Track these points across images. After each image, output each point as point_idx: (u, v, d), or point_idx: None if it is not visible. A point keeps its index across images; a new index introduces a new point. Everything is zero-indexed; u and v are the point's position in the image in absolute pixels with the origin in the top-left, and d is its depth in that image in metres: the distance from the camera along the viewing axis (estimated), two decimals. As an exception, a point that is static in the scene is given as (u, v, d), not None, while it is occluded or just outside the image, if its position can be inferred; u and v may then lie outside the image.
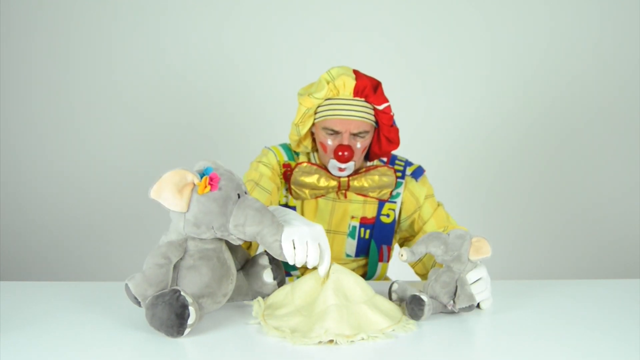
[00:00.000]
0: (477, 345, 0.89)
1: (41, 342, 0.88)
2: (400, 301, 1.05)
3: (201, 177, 0.91)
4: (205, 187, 0.89)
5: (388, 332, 0.91)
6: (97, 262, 2.61)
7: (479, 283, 1.02)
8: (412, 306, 0.97)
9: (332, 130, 1.24)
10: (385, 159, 1.39)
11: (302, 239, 0.91)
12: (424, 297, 0.97)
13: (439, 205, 1.37)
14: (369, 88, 1.22)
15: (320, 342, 0.86)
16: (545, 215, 2.65)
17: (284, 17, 2.54)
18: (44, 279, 2.42)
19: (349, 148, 1.22)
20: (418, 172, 1.36)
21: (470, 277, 1.02)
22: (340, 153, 1.22)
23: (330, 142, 1.26)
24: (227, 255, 0.98)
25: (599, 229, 2.64)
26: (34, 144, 2.61)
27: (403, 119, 2.28)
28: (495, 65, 2.58)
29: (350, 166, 1.27)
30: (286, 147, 1.39)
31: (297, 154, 1.38)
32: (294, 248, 0.91)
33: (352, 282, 0.96)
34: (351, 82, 1.21)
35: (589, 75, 2.58)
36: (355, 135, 1.24)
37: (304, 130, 1.29)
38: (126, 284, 0.89)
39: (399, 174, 1.36)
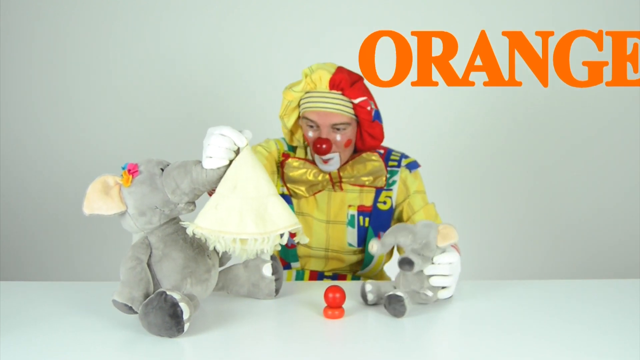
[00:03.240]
0: (476, 345, 0.89)
1: (41, 342, 0.88)
2: (378, 300, 1.06)
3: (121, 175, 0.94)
4: (128, 178, 0.93)
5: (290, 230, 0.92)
6: (97, 262, 2.62)
7: (444, 267, 1.02)
8: (394, 306, 0.99)
9: (311, 121, 1.27)
10: (382, 151, 1.41)
11: (207, 145, 0.91)
12: (399, 293, 0.99)
13: (430, 204, 1.40)
14: (345, 82, 1.24)
15: (233, 241, 0.89)
16: (545, 215, 2.65)
17: (284, 13, 2.54)
18: (44, 279, 2.42)
19: (327, 141, 1.25)
20: (412, 166, 1.40)
21: (441, 259, 1.02)
22: (318, 145, 1.25)
23: (310, 134, 1.30)
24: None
25: (599, 229, 2.64)
26: (33, 144, 2.61)
27: (397, 115, 2.28)
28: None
29: (334, 160, 1.29)
30: (285, 140, 1.43)
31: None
32: (211, 157, 0.90)
33: (261, 175, 0.94)
34: (327, 76, 1.24)
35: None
36: (334, 128, 1.27)
37: (290, 122, 1.33)
38: (112, 300, 0.91)
39: (395, 164, 1.39)
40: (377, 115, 1.30)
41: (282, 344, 0.88)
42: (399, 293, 0.99)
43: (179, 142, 2.59)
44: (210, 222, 0.89)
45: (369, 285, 1.06)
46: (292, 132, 1.38)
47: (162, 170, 0.95)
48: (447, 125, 2.61)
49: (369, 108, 1.26)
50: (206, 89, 2.59)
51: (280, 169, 1.38)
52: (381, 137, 1.32)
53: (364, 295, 1.06)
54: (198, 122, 2.60)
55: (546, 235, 2.65)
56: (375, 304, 1.07)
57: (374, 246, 1.02)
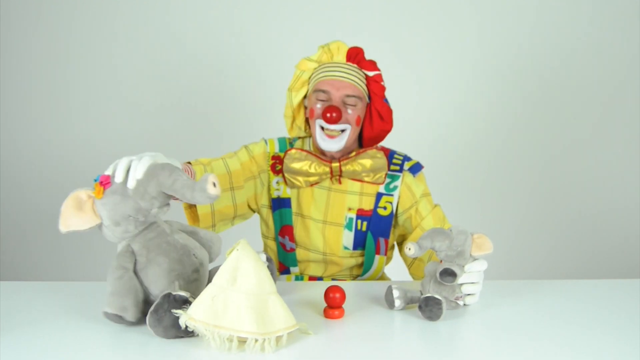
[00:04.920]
0: (475, 344, 0.89)
1: (41, 342, 0.88)
2: (406, 304, 1.04)
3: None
4: (99, 191, 0.91)
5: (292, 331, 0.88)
6: (96, 262, 2.61)
7: (474, 275, 1.01)
8: (431, 308, 0.97)
9: (323, 91, 1.25)
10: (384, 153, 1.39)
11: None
12: (438, 296, 0.97)
13: (436, 206, 1.38)
14: (361, 54, 1.26)
15: (229, 339, 0.83)
16: (544, 215, 2.65)
17: (290, 12, 2.54)
18: (44, 279, 2.42)
19: (337, 109, 1.21)
20: (416, 168, 1.37)
21: (473, 268, 1.01)
22: (328, 114, 1.20)
23: (319, 106, 1.26)
24: (178, 236, 0.99)
25: (599, 229, 2.64)
26: (34, 144, 2.61)
27: (396, 114, 2.26)
28: (492, 59, 2.57)
29: (343, 135, 1.25)
30: (282, 140, 1.41)
31: (292, 144, 1.39)
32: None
33: (262, 271, 0.89)
34: (345, 47, 1.26)
35: (587, 70, 2.57)
36: (345, 102, 1.25)
37: (297, 98, 1.30)
38: (103, 312, 0.90)
39: (397, 167, 1.36)
40: (386, 100, 1.30)
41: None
42: (437, 296, 0.97)
43: (179, 141, 2.59)
44: (205, 315, 0.84)
45: (396, 291, 1.03)
46: (293, 117, 1.35)
47: None
48: (447, 125, 2.61)
49: (382, 83, 1.27)
50: (207, 88, 2.59)
51: (270, 172, 1.37)
52: (390, 120, 1.30)
53: (390, 301, 1.03)
54: (198, 122, 2.60)
55: (546, 235, 2.65)
56: (401, 309, 1.04)
57: (411, 249, 0.99)
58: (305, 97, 1.33)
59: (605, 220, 2.64)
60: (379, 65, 1.30)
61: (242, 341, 0.84)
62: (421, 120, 2.59)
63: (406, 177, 1.36)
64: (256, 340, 0.83)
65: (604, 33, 2.54)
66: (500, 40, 2.55)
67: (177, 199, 0.96)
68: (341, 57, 1.26)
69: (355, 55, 1.26)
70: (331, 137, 1.26)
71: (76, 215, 0.91)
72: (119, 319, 0.90)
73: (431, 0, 2.53)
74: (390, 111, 1.30)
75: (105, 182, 0.92)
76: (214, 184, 0.86)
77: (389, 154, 1.39)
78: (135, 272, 0.94)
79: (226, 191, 1.30)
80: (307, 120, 1.38)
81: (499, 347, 0.87)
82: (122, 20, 2.54)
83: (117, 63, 2.57)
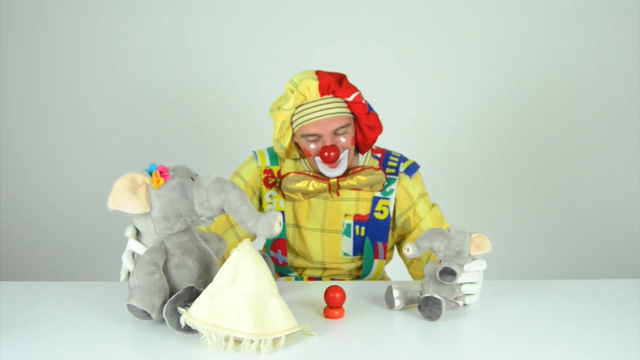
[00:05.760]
0: (475, 344, 0.89)
1: (41, 342, 0.88)
2: (406, 304, 1.04)
3: (150, 175, 0.91)
4: (159, 180, 0.90)
5: (293, 332, 0.88)
6: (97, 262, 2.61)
7: (474, 275, 1.01)
8: (431, 308, 0.97)
9: (312, 134, 1.24)
10: (379, 155, 1.38)
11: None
12: (437, 296, 0.97)
13: (434, 205, 1.38)
14: (333, 83, 1.22)
15: (226, 339, 0.84)
16: (544, 215, 2.65)
17: (282, 21, 2.54)
18: (44, 279, 2.42)
19: (333, 148, 1.22)
20: (412, 169, 1.36)
21: (472, 267, 1.01)
22: (326, 154, 1.22)
23: (312, 147, 1.25)
24: (203, 243, 1.00)
25: (599, 229, 2.64)
26: (34, 144, 2.61)
27: (397, 116, 2.27)
28: (493, 61, 2.57)
29: (342, 162, 1.26)
30: (272, 151, 1.39)
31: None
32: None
33: (263, 272, 0.89)
34: (314, 84, 1.21)
35: (588, 71, 2.57)
36: (336, 133, 1.24)
37: (286, 142, 1.29)
38: (129, 305, 0.88)
39: (393, 170, 1.35)
40: (369, 106, 1.28)
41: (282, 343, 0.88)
42: (436, 296, 0.97)
43: (180, 144, 2.59)
44: (204, 314, 0.84)
45: (396, 291, 1.03)
46: (287, 151, 1.34)
47: (192, 179, 0.94)
48: (449, 126, 2.61)
49: (363, 102, 1.24)
50: (205, 93, 2.58)
51: (263, 186, 1.36)
52: (379, 125, 1.29)
53: (390, 301, 1.04)
54: (196, 126, 2.60)
55: (547, 236, 2.65)
56: (401, 309, 1.05)
57: (410, 249, 0.99)
58: (293, 134, 1.31)
59: (605, 220, 2.64)
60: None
61: (239, 341, 0.85)
62: (422, 121, 2.59)
63: (402, 180, 1.35)
64: (252, 342, 0.83)
65: (605, 36, 2.54)
66: (502, 42, 2.55)
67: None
68: (314, 94, 1.22)
69: (327, 88, 1.22)
70: (334, 166, 1.26)
71: (130, 197, 0.89)
72: (145, 315, 0.89)
73: (433, 3, 2.53)
74: (376, 117, 1.28)
75: (165, 173, 0.91)
76: (280, 224, 0.90)
77: (385, 155, 1.38)
78: (165, 269, 0.93)
79: (228, 230, 1.34)
80: (299, 146, 1.36)
81: (499, 347, 0.87)
82: (122, 26, 2.54)
83: (118, 66, 2.56)
